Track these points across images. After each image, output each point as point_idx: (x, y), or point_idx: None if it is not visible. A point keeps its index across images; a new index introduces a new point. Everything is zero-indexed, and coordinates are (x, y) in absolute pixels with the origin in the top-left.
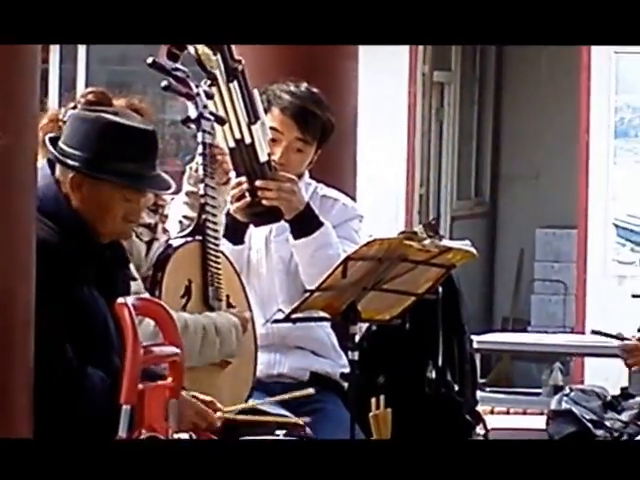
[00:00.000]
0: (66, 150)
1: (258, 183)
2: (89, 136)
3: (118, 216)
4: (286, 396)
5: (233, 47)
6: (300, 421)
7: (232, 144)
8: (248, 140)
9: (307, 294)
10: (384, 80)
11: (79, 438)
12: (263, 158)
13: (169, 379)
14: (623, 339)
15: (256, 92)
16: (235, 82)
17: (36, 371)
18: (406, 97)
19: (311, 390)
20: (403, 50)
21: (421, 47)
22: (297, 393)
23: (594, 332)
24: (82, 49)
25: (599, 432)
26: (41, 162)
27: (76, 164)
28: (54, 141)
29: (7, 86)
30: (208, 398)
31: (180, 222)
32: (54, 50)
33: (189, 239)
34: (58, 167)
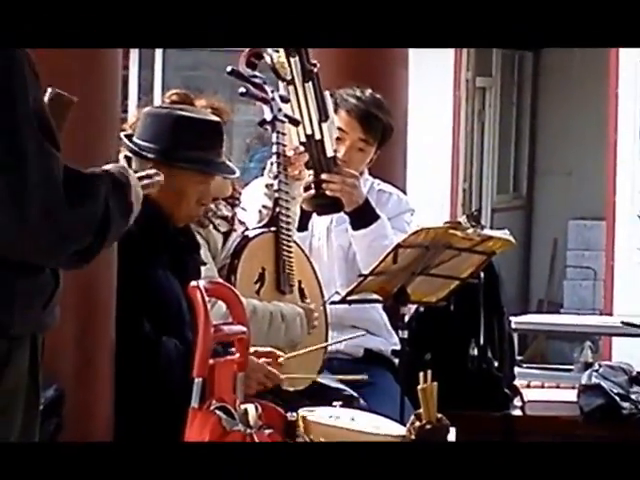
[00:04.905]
0: (141, 144)
1: (324, 176)
2: (162, 129)
3: (192, 200)
4: (343, 377)
5: (310, 51)
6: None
7: (303, 139)
8: (318, 136)
9: (361, 278)
10: (431, 85)
11: (157, 404)
12: (330, 153)
13: (237, 354)
14: None
15: (327, 94)
16: (310, 83)
17: (118, 345)
18: (451, 101)
19: (365, 377)
20: (448, 58)
21: (465, 55)
22: (353, 377)
23: (624, 323)
24: (159, 57)
25: (625, 404)
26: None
27: (152, 155)
28: (129, 138)
29: (91, 90)
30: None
31: (260, 211)
32: (133, 58)
33: (264, 230)
34: (134, 160)
